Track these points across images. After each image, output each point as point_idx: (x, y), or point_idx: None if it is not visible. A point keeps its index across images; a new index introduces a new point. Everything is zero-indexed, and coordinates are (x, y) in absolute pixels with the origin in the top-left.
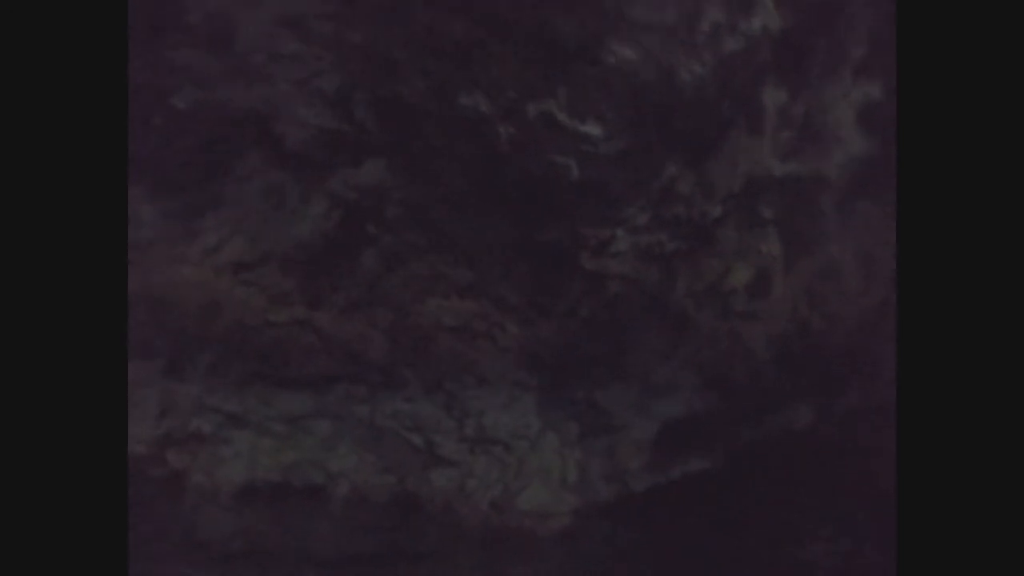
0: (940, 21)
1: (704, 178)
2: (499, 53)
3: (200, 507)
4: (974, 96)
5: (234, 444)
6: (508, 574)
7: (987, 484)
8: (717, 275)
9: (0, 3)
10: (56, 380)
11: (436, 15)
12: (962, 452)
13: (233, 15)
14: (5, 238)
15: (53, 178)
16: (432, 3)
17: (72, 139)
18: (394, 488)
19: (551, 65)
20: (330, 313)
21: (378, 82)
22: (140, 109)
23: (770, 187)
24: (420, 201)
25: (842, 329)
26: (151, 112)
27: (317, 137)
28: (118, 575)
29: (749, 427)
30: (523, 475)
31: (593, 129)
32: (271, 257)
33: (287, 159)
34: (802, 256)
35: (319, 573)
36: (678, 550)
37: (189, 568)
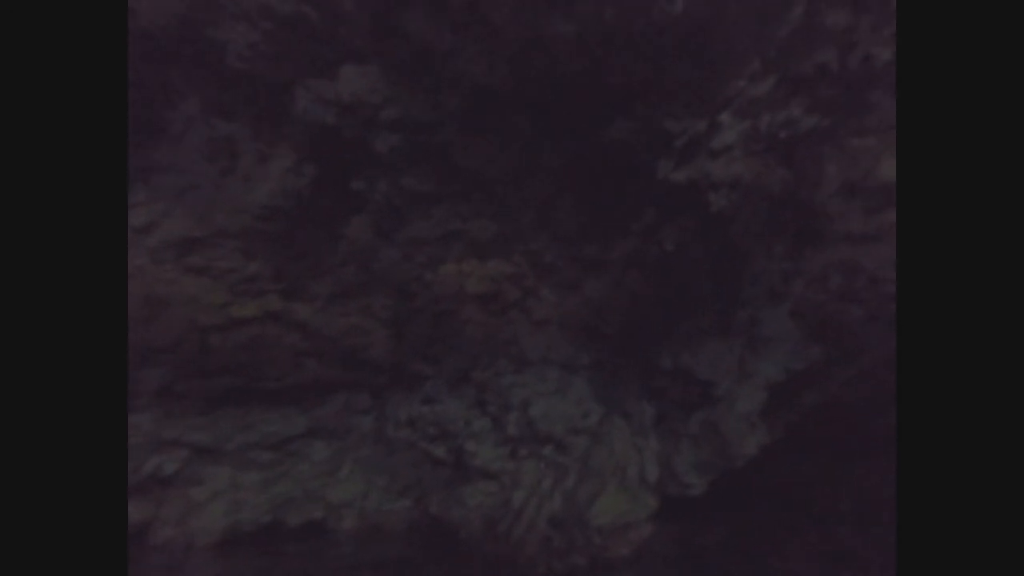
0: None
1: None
2: None
3: (173, 567)
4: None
5: (208, 484)
6: None
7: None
8: (866, 166)
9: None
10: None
11: None
12: (963, 451)
13: None
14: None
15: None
16: None
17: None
18: (413, 514)
19: None
20: (314, 303)
21: None
22: None
23: None
24: (422, 119)
25: None
26: None
27: (272, 39)
28: None
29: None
30: (589, 479)
31: None
32: (226, 234)
33: (235, 86)
34: None
35: None
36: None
37: None
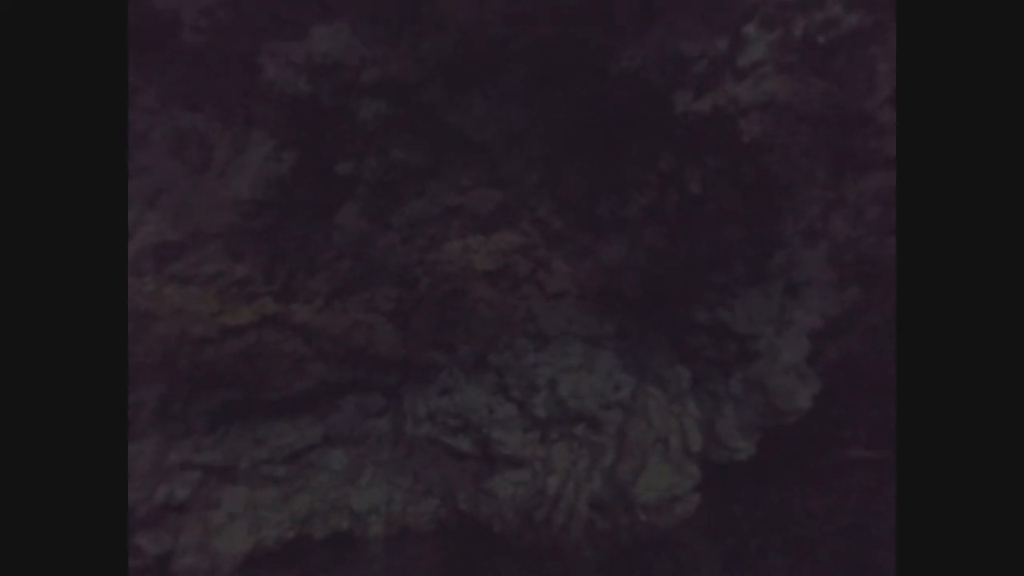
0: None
1: None
2: None
3: None
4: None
5: (225, 505)
6: None
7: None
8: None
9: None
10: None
11: None
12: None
13: None
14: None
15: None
16: None
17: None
18: (441, 513)
19: None
20: (312, 303)
21: None
22: None
23: None
24: (406, 78)
25: None
26: None
27: (229, 1)
28: None
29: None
30: (628, 455)
31: None
32: (207, 236)
33: (195, 66)
34: None
35: None
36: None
37: None
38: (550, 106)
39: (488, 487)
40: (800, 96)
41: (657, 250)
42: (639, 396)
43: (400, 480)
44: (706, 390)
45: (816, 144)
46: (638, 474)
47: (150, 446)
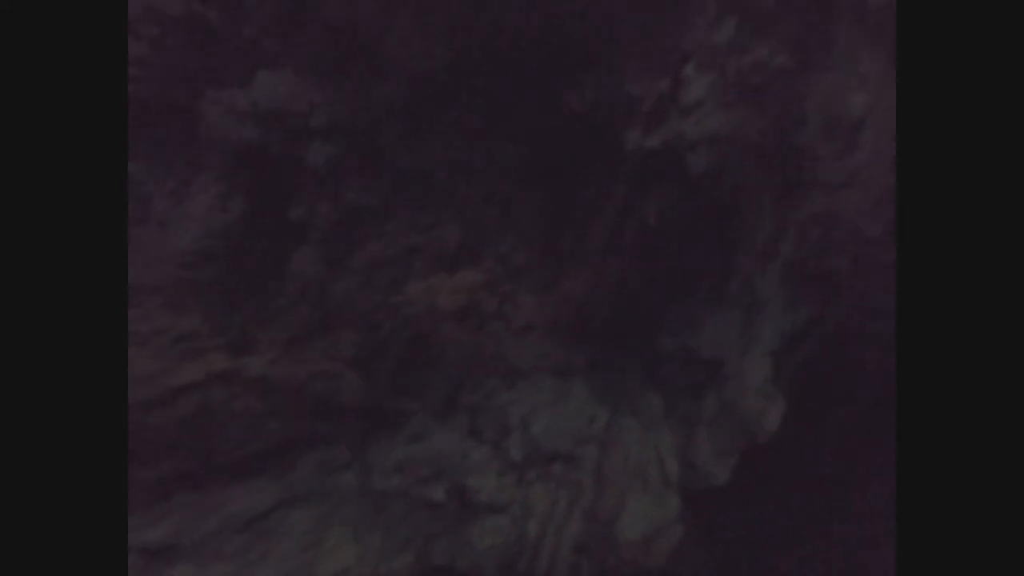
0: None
1: None
2: None
3: None
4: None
5: None
6: None
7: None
8: (841, 101)
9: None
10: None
11: None
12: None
13: None
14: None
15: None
16: None
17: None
18: (416, 569)
19: None
20: (267, 354)
21: None
22: None
23: None
24: (355, 122)
25: None
26: None
27: (164, 49)
28: None
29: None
30: (607, 491)
31: None
32: (146, 291)
33: (130, 115)
34: None
35: None
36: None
37: None
38: (504, 144)
39: (466, 537)
40: (741, 130)
41: (620, 280)
42: (613, 427)
43: (370, 538)
44: (679, 416)
45: (760, 173)
46: (619, 511)
47: None
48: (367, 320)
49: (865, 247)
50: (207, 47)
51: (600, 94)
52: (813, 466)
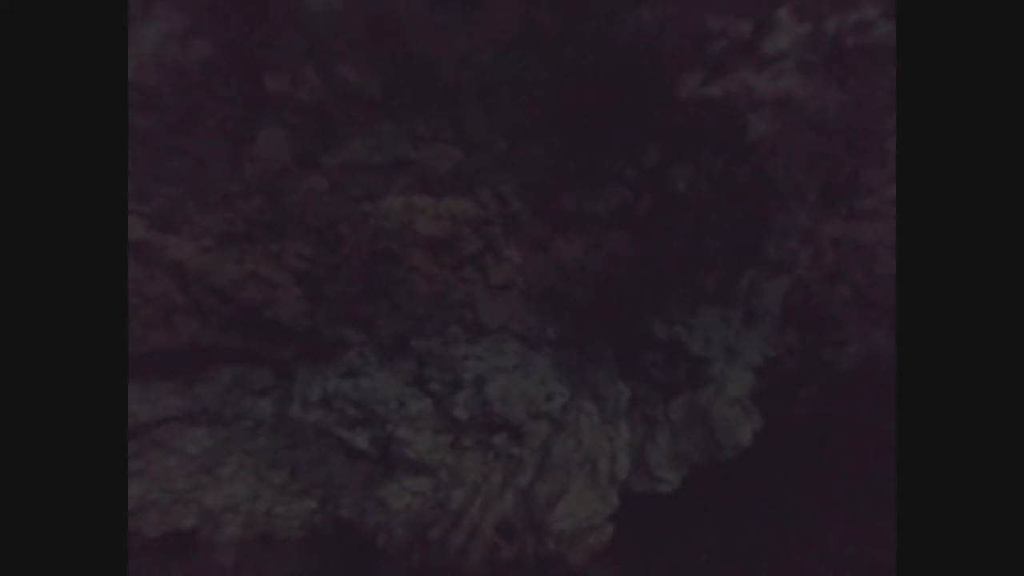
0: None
1: None
2: None
3: None
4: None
5: None
6: None
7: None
8: None
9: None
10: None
11: None
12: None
13: None
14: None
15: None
16: None
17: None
18: (316, 519)
19: None
20: (199, 240)
21: None
22: None
23: None
24: None
25: None
26: None
27: None
28: None
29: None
30: (550, 475)
31: None
32: None
33: None
34: None
35: None
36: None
37: None
38: (535, 63)
39: (380, 494)
40: (816, 100)
41: (618, 255)
42: (571, 410)
43: (273, 475)
44: (642, 413)
45: (817, 159)
46: (558, 498)
47: None
48: (329, 229)
49: (875, 283)
50: None
51: (669, 20)
52: (771, 498)
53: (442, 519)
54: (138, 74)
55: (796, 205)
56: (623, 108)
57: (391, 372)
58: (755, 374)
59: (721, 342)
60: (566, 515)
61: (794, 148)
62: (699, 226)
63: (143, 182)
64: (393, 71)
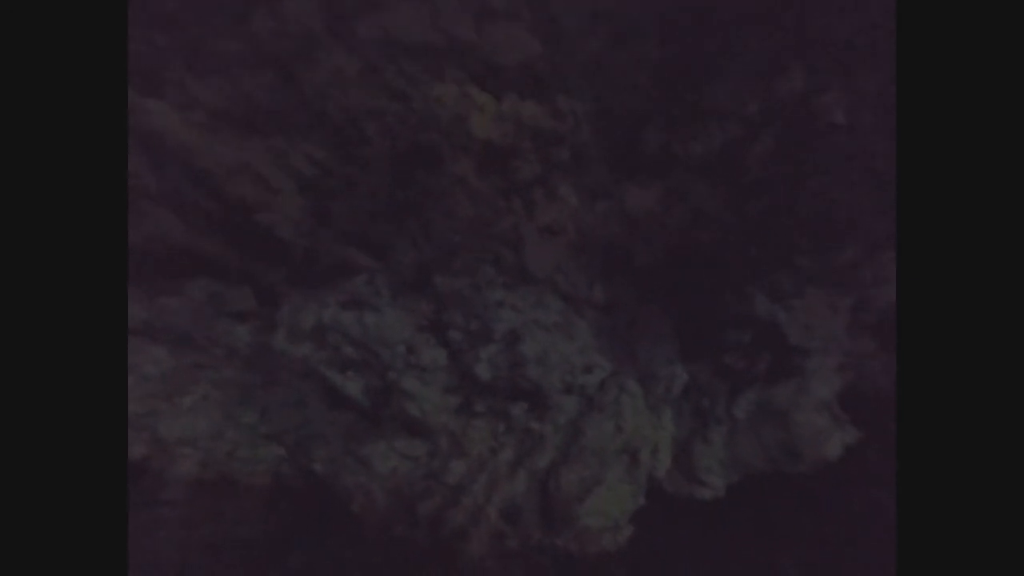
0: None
1: None
2: None
3: None
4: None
5: None
6: None
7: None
8: None
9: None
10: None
11: None
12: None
13: None
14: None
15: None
16: None
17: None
18: (284, 469)
19: None
20: (181, 113)
21: None
22: None
23: None
24: None
25: None
26: None
27: None
28: None
29: None
30: (580, 461)
31: None
32: None
33: None
34: None
35: None
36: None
37: None
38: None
39: (363, 452)
40: None
41: (707, 210)
42: (611, 388)
43: (240, 412)
44: (696, 404)
45: None
46: (589, 489)
47: None
48: (352, 126)
49: None
50: None
51: None
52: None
53: (434, 493)
54: None
55: None
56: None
57: (404, 310)
58: (840, 375)
59: (826, 332)
60: (596, 510)
61: None
62: (825, 184)
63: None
64: None
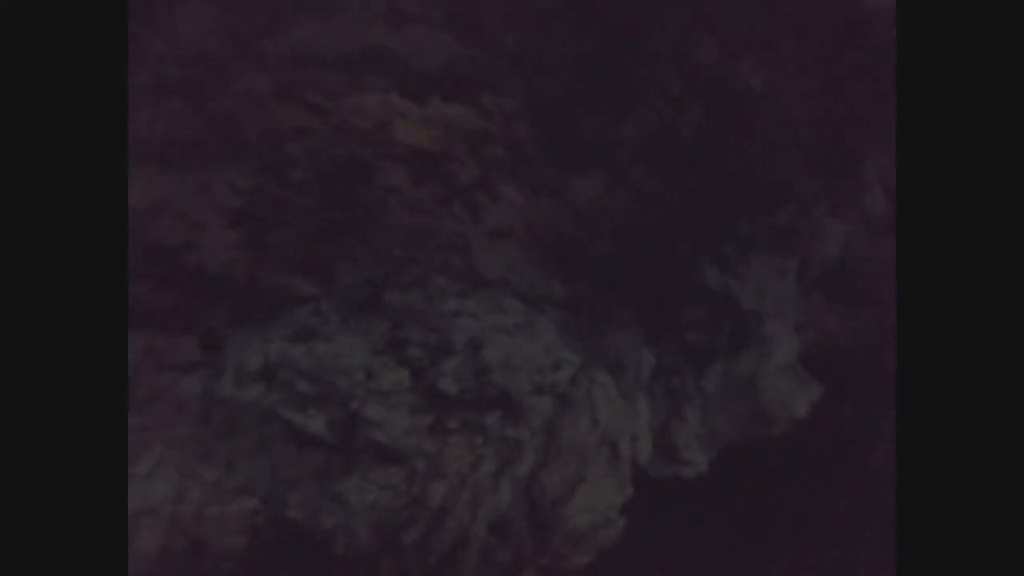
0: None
1: None
2: None
3: None
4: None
5: None
6: None
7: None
8: None
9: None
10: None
11: None
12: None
13: None
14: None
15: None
16: None
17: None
18: (259, 521)
19: None
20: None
21: None
22: None
23: None
24: None
25: None
26: None
27: None
28: None
29: None
30: (559, 461)
31: None
32: None
33: None
34: None
35: None
36: None
37: None
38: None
39: (338, 489)
40: None
41: (648, 190)
42: (581, 382)
43: (203, 470)
44: (666, 385)
45: None
46: (573, 488)
47: None
48: (274, 148)
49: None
50: None
51: None
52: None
53: (419, 519)
54: None
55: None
56: None
57: (356, 334)
58: (799, 334)
59: (778, 296)
60: (583, 508)
61: None
62: (761, 152)
63: None
64: None
